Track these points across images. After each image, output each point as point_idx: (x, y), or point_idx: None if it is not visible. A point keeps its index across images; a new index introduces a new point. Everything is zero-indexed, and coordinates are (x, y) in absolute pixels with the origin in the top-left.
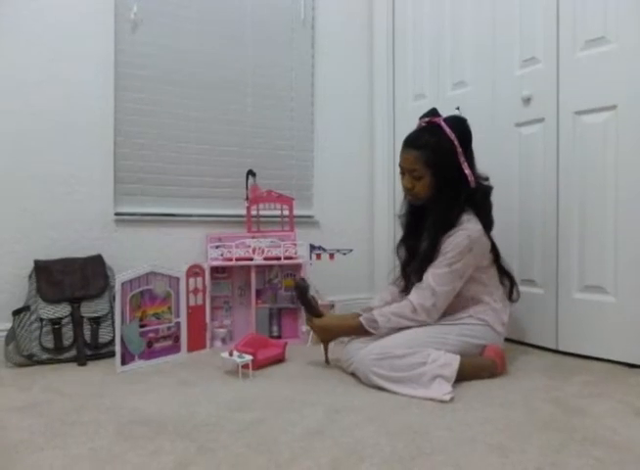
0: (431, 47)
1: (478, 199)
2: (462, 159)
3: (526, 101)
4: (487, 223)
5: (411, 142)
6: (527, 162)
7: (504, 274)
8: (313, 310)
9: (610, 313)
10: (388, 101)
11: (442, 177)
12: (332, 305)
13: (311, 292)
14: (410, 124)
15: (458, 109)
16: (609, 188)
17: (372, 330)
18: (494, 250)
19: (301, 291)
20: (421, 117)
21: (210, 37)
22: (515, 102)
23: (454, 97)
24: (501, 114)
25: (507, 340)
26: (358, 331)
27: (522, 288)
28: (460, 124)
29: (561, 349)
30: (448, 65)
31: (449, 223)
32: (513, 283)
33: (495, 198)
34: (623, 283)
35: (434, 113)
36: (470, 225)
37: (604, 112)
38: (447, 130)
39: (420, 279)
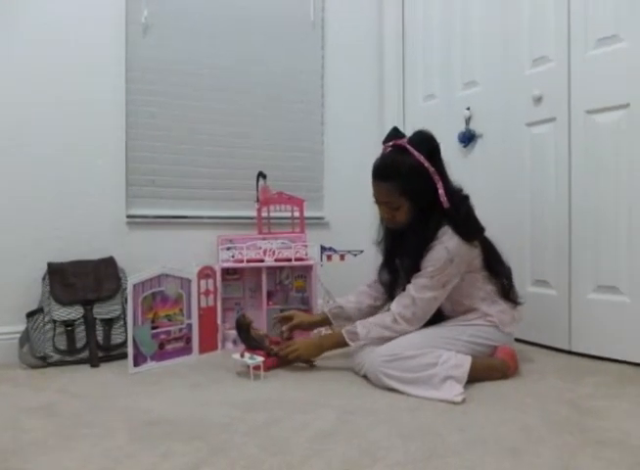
0: (441, 47)
1: (452, 212)
2: (436, 177)
3: (537, 100)
4: (468, 233)
5: (381, 173)
6: (539, 161)
7: (498, 276)
8: (258, 346)
9: (624, 314)
10: (399, 102)
11: (419, 201)
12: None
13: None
14: (420, 125)
15: (468, 109)
16: (622, 187)
17: (351, 342)
18: (487, 251)
19: (241, 327)
20: (384, 142)
21: (220, 40)
22: (525, 101)
23: (465, 97)
24: (512, 113)
25: (519, 340)
26: (341, 343)
27: (534, 289)
28: (426, 141)
29: (574, 350)
30: (458, 64)
31: (428, 240)
32: (509, 284)
33: (507, 198)
34: (637, 283)
35: (396, 134)
36: (445, 238)
37: (616, 110)
38: (415, 152)
39: None
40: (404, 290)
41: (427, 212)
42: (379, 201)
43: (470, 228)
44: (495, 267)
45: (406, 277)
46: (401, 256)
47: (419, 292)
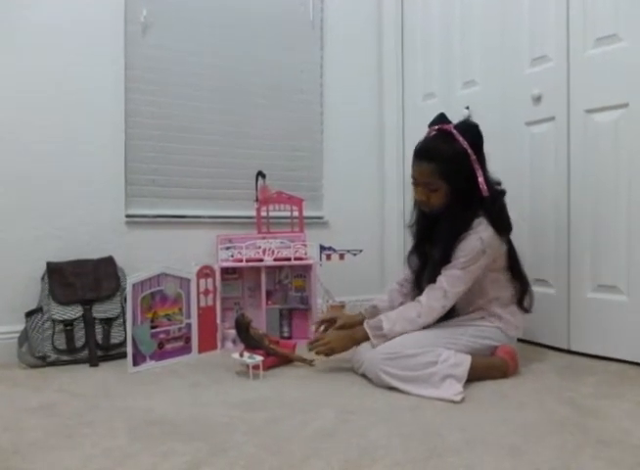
0: (440, 46)
1: (489, 204)
2: (476, 166)
3: (537, 100)
4: (501, 227)
5: (425, 154)
6: (538, 160)
7: (518, 280)
8: (257, 345)
9: (623, 313)
10: (398, 101)
11: (457, 187)
12: (342, 306)
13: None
14: (420, 124)
15: (468, 108)
16: (621, 186)
17: (375, 339)
18: (511, 253)
19: (240, 327)
20: (430, 125)
21: (219, 39)
22: (525, 101)
23: (464, 96)
24: (511, 112)
25: (518, 340)
26: (366, 337)
27: (533, 288)
28: (472, 130)
29: (573, 349)
30: (458, 64)
31: (462, 229)
32: (526, 290)
33: (506, 197)
34: (637, 282)
35: (443, 119)
36: (481, 228)
37: (615, 110)
38: (460, 138)
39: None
40: (431, 279)
41: (464, 200)
42: (417, 182)
43: (504, 222)
44: (517, 270)
45: (434, 265)
46: (433, 241)
47: (452, 286)
